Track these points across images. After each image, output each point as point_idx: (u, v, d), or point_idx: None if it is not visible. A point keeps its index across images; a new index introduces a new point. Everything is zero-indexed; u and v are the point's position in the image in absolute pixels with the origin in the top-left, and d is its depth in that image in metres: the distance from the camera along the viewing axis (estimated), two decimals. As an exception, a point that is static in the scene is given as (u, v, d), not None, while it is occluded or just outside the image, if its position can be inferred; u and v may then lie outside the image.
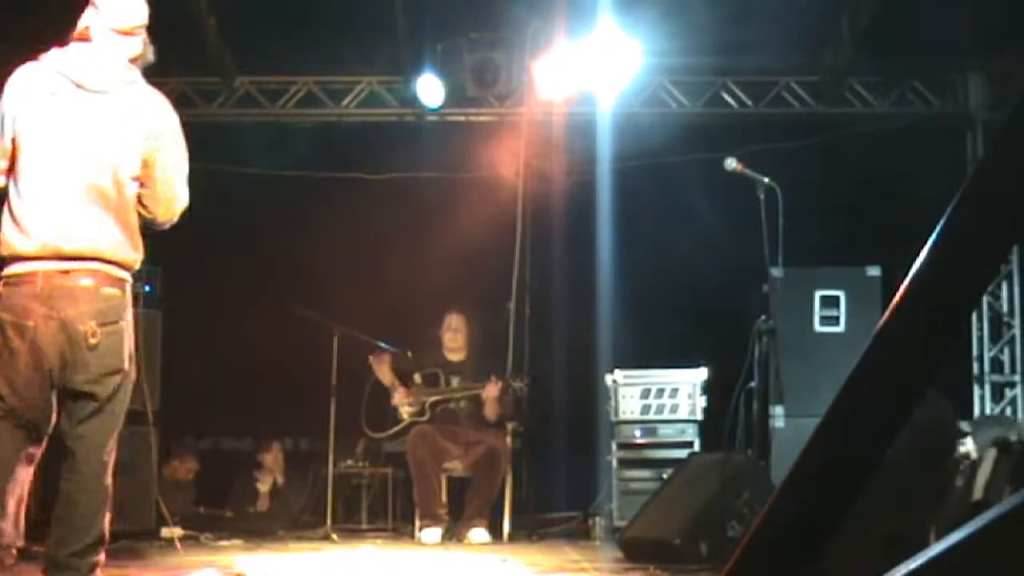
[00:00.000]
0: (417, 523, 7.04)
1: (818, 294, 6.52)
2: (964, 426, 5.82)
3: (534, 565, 5.35)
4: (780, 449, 6.11)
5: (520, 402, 7.36)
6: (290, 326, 7.69)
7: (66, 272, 3.48)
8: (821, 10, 7.63)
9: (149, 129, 3.67)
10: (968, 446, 5.60)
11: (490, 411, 7.20)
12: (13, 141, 3.54)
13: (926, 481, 3.85)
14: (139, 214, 3.74)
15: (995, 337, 8.42)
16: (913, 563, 0.92)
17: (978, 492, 4.36)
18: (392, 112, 8.74)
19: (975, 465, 4.56)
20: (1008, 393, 8.34)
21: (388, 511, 7.97)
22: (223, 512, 8.32)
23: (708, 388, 7.09)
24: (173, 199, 3.81)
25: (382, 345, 7.63)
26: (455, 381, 7.41)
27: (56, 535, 3.49)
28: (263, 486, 8.55)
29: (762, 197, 6.02)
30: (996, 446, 4.53)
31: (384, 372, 7.48)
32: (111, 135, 3.59)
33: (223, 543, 6.68)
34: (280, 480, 8.59)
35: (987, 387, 8.36)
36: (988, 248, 0.94)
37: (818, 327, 6.49)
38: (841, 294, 6.52)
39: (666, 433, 7.12)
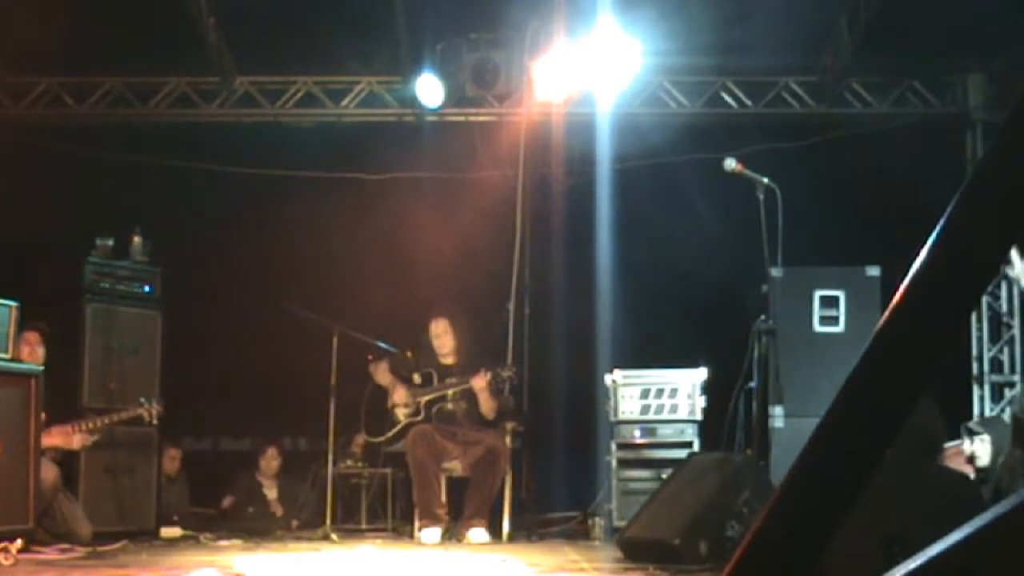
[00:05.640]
0: (416, 523, 7.04)
1: (818, 294, 6.52)
2: (975, 426, 5.86)
3: (534, 565, 5.34)
4: (779, 449, 6.10)
5: (519, 398, 7.35)
6: (289, 326, 7.69)
7: None
8: (821, 10, 7.63)
9: None
10: (977, 445, 5.66)
11: (485, 406, 7.18)
12: None
13: (912, 481, 3.86)
14: None
15: (995, 337, 8.42)
16: (913, 563, 0.92)
17: None
18: (391, 112, 8.75)
19: None
20: (1008, 393, 8.34)
21: (387, 511, 7.97)
22: (220, 512, 8.33)
23: (707, 388, 7.09)
24: None
25: (381, 345, 7.63)
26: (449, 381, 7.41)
27: None
28: (270, 492, 8.55)
29: (761, 197, 6.02)
30: None
31: (383, 376, 7.48)
32: None
33: (223, 543, 6.69)
34: (277, 486, 8.60)
35: (987, 387, 8.37)
36: (988, 248, 0.94)
37: (818, 327, 6.49)
38: (841, 294, 6.51)
39: (665, 433, 7.12)
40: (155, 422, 6.82)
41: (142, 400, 6.75)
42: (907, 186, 7.13)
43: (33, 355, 6.33)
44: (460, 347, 7.40)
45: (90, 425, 6.57)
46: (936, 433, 4.38)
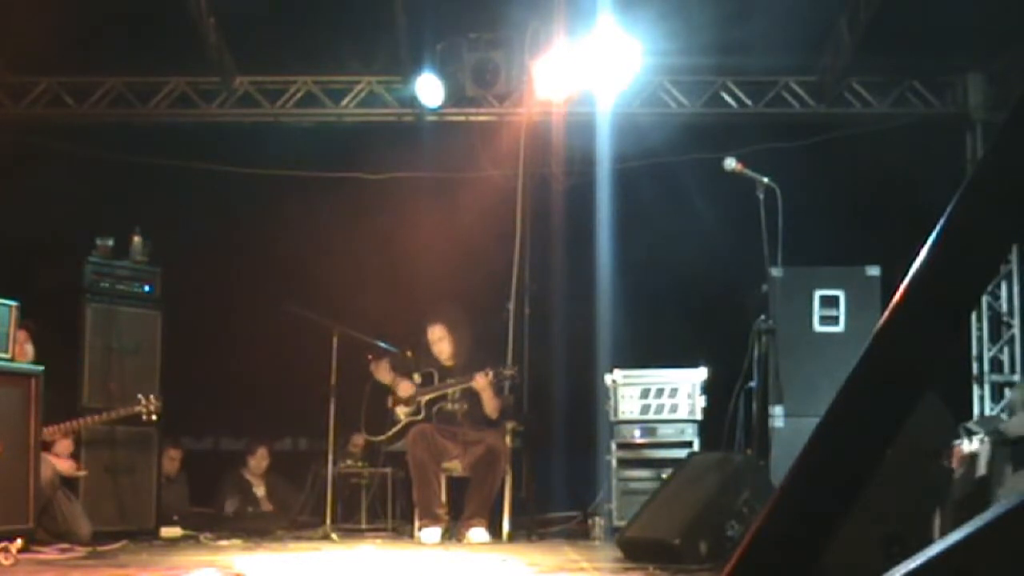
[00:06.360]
0: (416, 523, 7.05)
1: (818, 294, 6.52)
2: (973, 426, 5.89)
3: (534, 565, 5.34)
4: (780, 449, 6.10)
5: (519, 398, 7.35)
6: (289, 326, 7.69)
7: None
8: (821, 10, 7.63)
9: None
10: (976, 445, 5.70)
11: (488, 405, 7.18)
12: None
13: (920, 479, 3.87)
14: None
15: (995, 337, 8.42)
16: (912, 563, 0.92)
17: (982, 469, 4.75)
18: (391, 112, 8.75)
19: (974, 456, 4.99)
20: (1008, 393, 8.33)
21: (387, 511, 7.98)
22: (218, 511, 8.34)
23: (708, 388, 7.09)
24: None
25: (381, 345, 7.63)
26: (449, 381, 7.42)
27: None
28: (259, 490, 8.58)
29: (762, 197, 6.02)
30: (990, 436, 4.93)
31: (384, 374, 7.50)
32: None
33: (223, 543, 6.69)
34: (265, 484, 8.61)
35: (987, 387, 8.36)
36: (988, 248, 0.94)
37: (818, 327, 6.49)
38: (841, 294, 6.52)
39: (665, 433, 7.12)
40: (154, 417, 6.80)
41: (140, 397, 6.74)
42: (907, 186, 7.13)
43: (22, 353, 6.32)
44: (459, 350, 7.41)
45: (88, 422, 6.56)
46: (939, 433, 4.39)
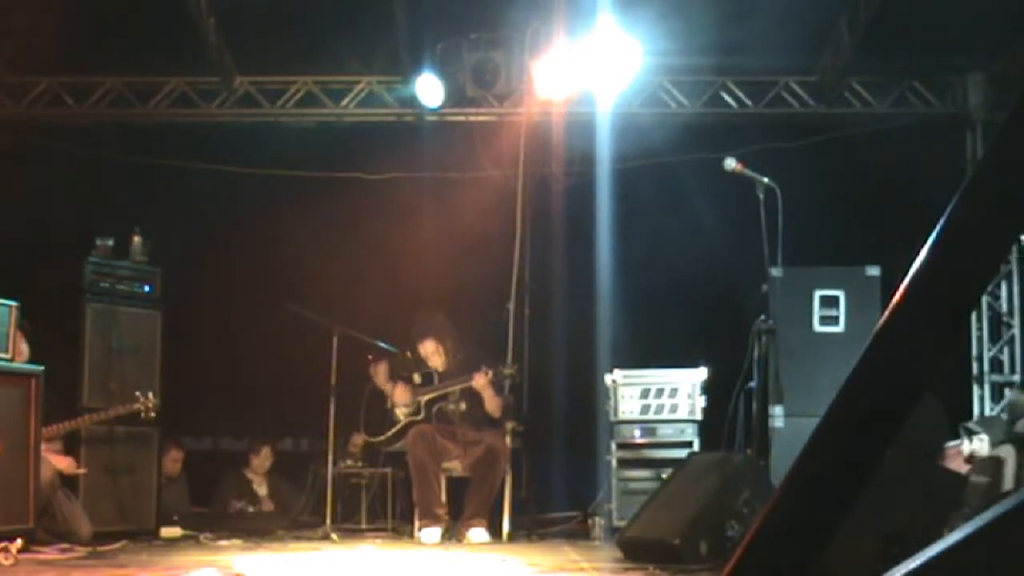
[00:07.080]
0: (416, 523, 7.05)
1: (817, 294, 6.52)
2: (973, 426, 5.89)
3: (534, 565, 5.34)
4: (780, 449, 6.10)
5: (519, 398, 7.35)
6: (289, 326, 7.69)
7: None
8: (821, 10, 7.63)
9: None
10: (976, 445, 5.69)
11: (490, 404, 7.18)
12: None
13: (919, 480, 3.87)
14: None
15: (995, 337, 8.42)
16: (913, 563, 0.92)
17: (1008, 483, 4.68)
18: (391, 112, 8.75)
19: (998, 462, 4.90)
20: (1008, 393, 8.33)
21: (387, 511, 7.98)
22: (220, 510, 8.34)
23: (708, 388, 7.09)
24: None
25: (381, 345, 7.64)
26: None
27: None
28: (260, 489, 8.58)
29: (762, 197, 6.02)
30: (1013, 443, 4.90)
31: (381, 377, 7.50)
32: None
33: (223, 543, 6.69)
34: (267, 484, 8.61)
35: (987, 387, 8.36)
36: (988, 248, 0.94)
37: (818, 327, 6.49)
38: (840, 294, 6.52)
39: (665, 433, 7.12)
40: (152, 415, 6.80)
41: (137, 394, 6.73)
42: (907, 186, 7.12)
43: (18, 352, 6.31)
44: (452, 357, 7.41)
45: (85, 420, 6.55)
46: (937, 433, 4.39)
